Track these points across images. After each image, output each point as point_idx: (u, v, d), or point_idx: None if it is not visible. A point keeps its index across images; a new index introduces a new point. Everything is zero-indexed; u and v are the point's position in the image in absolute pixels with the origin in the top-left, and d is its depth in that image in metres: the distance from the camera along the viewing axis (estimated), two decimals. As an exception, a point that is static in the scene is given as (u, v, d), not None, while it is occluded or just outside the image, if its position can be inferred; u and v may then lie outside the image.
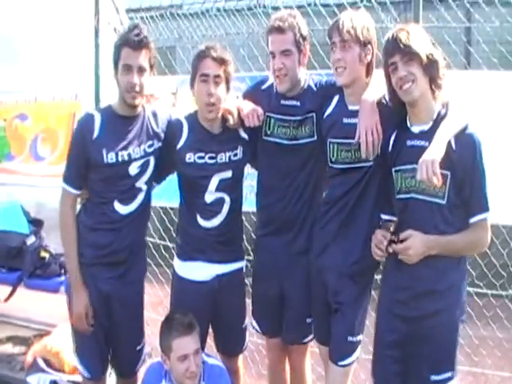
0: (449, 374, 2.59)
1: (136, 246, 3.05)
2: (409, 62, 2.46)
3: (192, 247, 3.06)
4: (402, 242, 2.52)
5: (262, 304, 3.15)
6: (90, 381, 3.11)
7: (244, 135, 3.04)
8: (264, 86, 3.06)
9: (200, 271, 3.06)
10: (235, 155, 3.00)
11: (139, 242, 3.10)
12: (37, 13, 4.58)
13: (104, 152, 2.88)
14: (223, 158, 2.97)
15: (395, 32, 2.49)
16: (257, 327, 3.20)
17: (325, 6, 3.69)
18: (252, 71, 3.76)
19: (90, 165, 2.91)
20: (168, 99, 4.05)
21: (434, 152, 2.39)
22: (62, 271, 4.38)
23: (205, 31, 4.04)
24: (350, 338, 2.85)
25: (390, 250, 2.56)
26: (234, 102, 3.00)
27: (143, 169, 2.96)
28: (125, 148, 2.91)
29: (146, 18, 4.26)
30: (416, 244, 2.49)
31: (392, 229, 2.68)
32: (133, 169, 2.94)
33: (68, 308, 3.06)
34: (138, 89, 2.83)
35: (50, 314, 4.44)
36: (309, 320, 3.06)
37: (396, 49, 2.46)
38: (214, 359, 3.07)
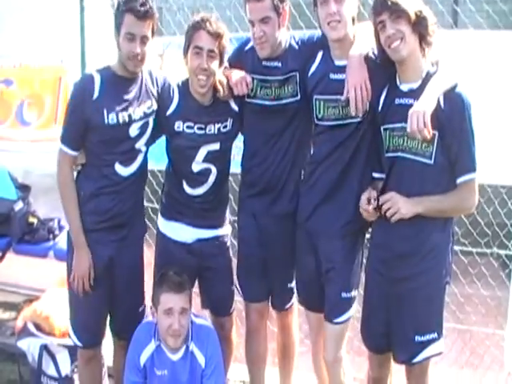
0: (434, 335, 2.62)
1: (137, 208, 3.08)
2: (397, 19, 2.44)
3: (176, 209, 3.10)
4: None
5: (245, 267, 3.17)
6: (84, 349, 3.14)
7: (234, 107, 3.03)
8: (247, 47, 3.04)
9: (182, 232, 3.09)
10: (225, 127, 3.00)
11: (139, 204, 3.13)
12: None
13: (105, 112, 2.86)
14: (212, 129, 2.98)
15: None
16: (240, 291, 3.22)
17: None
18: (238, 32, 3.71)
19: (91, 126, 2.89)
20: (155, 61, 3.99)
21: (425, 103, 2.38)
22: (51, 236, 4.41)
23: (192, -9, 3.98)
24: (344, 294, 2.86)
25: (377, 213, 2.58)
26: (223, 71, 2.98)
27: (143, 130, 2.96)
28: (125, 109, 2.90)
29: (132, -22, 4.16)
30: (400, 198, 2.52)
31: (380, 187, 2.68)
32: (133, 130, 2.94)
33: (67, 272, 3.06)
34: (139, 58, 2.83)
35: (39, 279, 4.43)
36: (290, 285, 3.09)
37: (384, 7, 2.44)
38: (203, 319, 3.10)
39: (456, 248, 3.66)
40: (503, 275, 3.99)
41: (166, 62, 3.96)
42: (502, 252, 3.70)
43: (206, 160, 2.98)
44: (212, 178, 3.02)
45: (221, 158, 3.04)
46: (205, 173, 3.01)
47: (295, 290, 3.14)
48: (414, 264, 2.58)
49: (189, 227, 3.08)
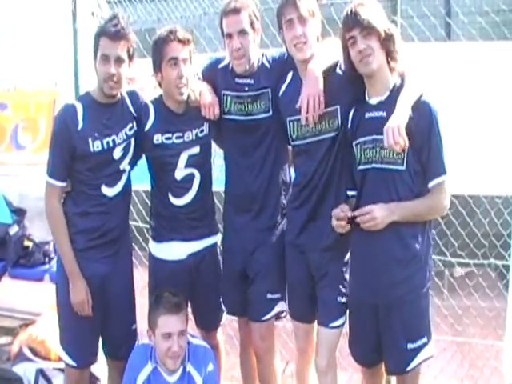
0: (424, 340, 2.65)
1: (124, 224, 3.13)
2: (367, 36, 2.53)
3: (165, 228, 3.12)
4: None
5: (228, 283, 3.17)
6: (74, 369, 3.09)
7: None
8: (220, 65, 3.10)
9: (174, 250, 3.11)
10: (202, 131, 3.06)
11: (125, 221, 3.16)
12: (13, 0, 4.53)
13: (90, 141, 2.89)
14: (190, 135, 3.03)
15: (354, 6, 2.54)
16: (223, 306, 3.22)
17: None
18: (219, 51, 3.75)
19: (76, 155, 2.90)
20: (148, 82, 4.02)
21: (398, 118, 2.46)
22: (46, 260, 4.40)
23: (183, 12, 4.03)
24: (339, 299, 2.88)
25: (350, 227, 2.62)
26: (197, 84, 3.04)
27: (126, 151, 3.00)
28: (108, 135, 2.93)
29: (124, 0, 4.22)
30: (379, 211, 2.56)
31: (353, 204, 2.72)
32: (117, 153, 2.97)
33: (56, 296, 3.06)
34: (115, 79, 2.85)
35: (35, 303, 4.39)
36: (270, 296, 3.06)
37: (355, 23, 2.52)
38: (199, 339, 3.08)
39: (453, 260, 3.67)
40: (501, 286, 3.99)
41: (159, 82, 3.98)
42: (499, 263, 3.68)
43: (188, 165, 3.02)
44: (196, 184, 3.05)
45: (202, 161, 3.08)
46: (188, 179, 3.04)
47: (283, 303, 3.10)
48: (398, 271, 2.61)
49: (180, 243, 3.10)
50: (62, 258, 2.99)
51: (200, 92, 3.02)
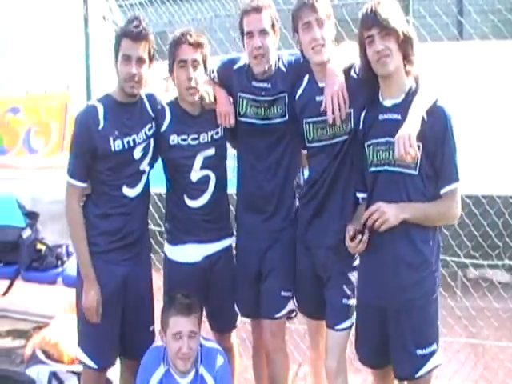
0: (434, 347, 2.63)
1: (144, 226, 3.15)
2: (386, 36, 2.50)
3: (181, 230, 3.13)
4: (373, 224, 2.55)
5: (242, 284, 3.16)
6: (94, 371, 3.10)
7: None
8: (236, 66, 3.10)
9: (190, 253, 3.11)
10: (217, 133, 3.08)
11: (145, 222, 3.19)
12: (25, 4, 4.56)
13: (111, 140, 2.92)
14: (205, 137, 3.05)
15: (373, 5, 2.51)
16: (236, 309, 3.21)
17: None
18: (242, 52, 3.74)
19: (98, 155, 2.94)
20: (160, 85, 4.03)
21: (410, 127, 2.43)
22: (59, 263, 4.39)
23: (194, 14, 4.04)
24: (344, 301, 2.88)
25: (364, 238, 2.59)
26: (212, 88, 3.07)
27: (146, 151, 3.03)
28: (129, 134, 2.96)
29: (135, 4, 4.24)
30: (387, 207, 2.53)
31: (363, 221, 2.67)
32: (137, 153, 3.00)
33: (76, 299, 3.07)
34: (136, 79, 2.88)
35: (48, 306, 4.42)
36: (284, 293, 3.05)
37: (374, 22, 2.49)
38: (212, 342, 3.08)
39: (467, 261, 3.64)
40: (515, 287, 3.96)
41: (171, 85, 3.99)
42: (514, 263, 3.67)
43: (203, 167, 3.04)
44: (212, 185, 3.06)
45: (217, 163, 3.09)
46: (204, 180, 3.05)
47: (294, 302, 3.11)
48: (408, 276, 2.59)
49: (195, 245, 3.10)
50: (79, 260, 3.01)
51: (216, 98, 3.04)
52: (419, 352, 2.60)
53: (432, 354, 2.62)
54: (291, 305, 3.09)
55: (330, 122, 2.74)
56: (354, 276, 2.90)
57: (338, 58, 2.80)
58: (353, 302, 2.90)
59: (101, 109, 2.95)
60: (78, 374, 3.55)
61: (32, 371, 3.78)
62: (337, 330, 2.89)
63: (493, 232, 3.80)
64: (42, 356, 3.84)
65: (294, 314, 3.16)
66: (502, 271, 4.41)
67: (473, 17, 3.60)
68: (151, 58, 2.96)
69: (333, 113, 2.71)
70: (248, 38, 2.89)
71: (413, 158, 2.44)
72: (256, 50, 2.88)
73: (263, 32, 2.86)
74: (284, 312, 3.07)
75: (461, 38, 3.93)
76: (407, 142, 2.39)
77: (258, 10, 2.86)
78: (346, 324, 2.89)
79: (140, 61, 2.89)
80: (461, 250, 3.79)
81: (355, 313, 2.85)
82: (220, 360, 2.97)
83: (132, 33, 2.86)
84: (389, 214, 2.53)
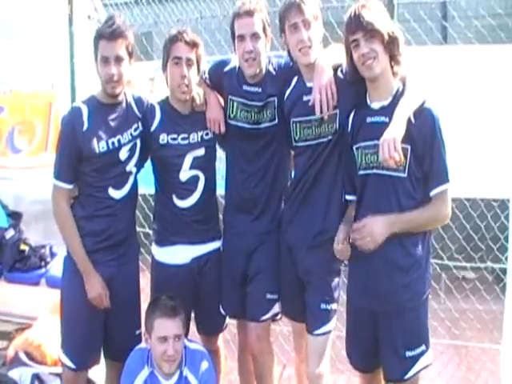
0: (423, 348, 2.63)
1: (130, 227, 3.14)
2: (371, 39, 2.49)
3: (169, 231, 3.11)
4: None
5: (228, 286, 3.15)
6: (72, 371, 3.08)
7: None
8: (226, 68, 3.09)
9: (178, 254, 3.10)
10: (207, 134, 3.08)
11: (132, 223, 3.17)
12: (10, 2, 4.51)
13: (95, 142, 2.92)
14: (195, 137, 3.05)
15: (357, 9, 2.51)
16: (222, 310, 3.21)
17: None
18: (227, 54, 3.75)
19: (83, 157, 2.93)
20: (145, 85, 4.02)
21: (395, 130, 2.42)
22: (42, 264, 4.37)
23: (180, 15, 4.02)
24: (323, 306, 2.88)
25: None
26: (204, 91, 3.07)
27: (132, 152, 3.02)
28: (114, 135, 2.96)
29: (121, 4, 4.22)
30: (371, 230, 2.53)
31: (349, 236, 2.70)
32: (123, 154, 2.99)
33: (61, 299, 3.08)
34: (116, 78, 2.88)
35: (31, 307, 4.37)
36: (269, 296, 3.05)
37: (359, 26, 2.49)
38: (196, 344, 3.07)
39: (450, 263, 3.66)
40: (497, 289, 3.97)
41: (156, 86, 3.99)
42: (496, 266, 3.68)
43: (192, 167, 3.03)
44: (201, 186, 3.06)
45: (207, 164, 3.09)
46: (193, 180, 3.04)
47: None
48: (399, 278, 2.59)
49: (184, 246, 3.09)
50: (75, 258, 2.99)
51: (207, 102, 3.05)
52: (408, 354, 2.60)
53: (421, 354, 2.62)
54: (276, 308, 3.09)
55: (318, 114, 2.71)
56: (335, 280, 2.91)
57: (327, 55, 2.80)
58: (333, 306, 2.90)
59: (85, 110, 2.95)
60: (60, 376, 3.50)
61: (14, 373, 3.74)
62: (316, 335, 2.89)
63: (476, 235, 3.83)
64: (24, 358, 3.81)
65: (279, 316, 3.16)
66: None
67: (456, 22, 3.62)
68: (131, 55, 2.95)
69: (321, 108, 2.69)
70: (239, 42, 2.89)
71: (397, 162, 2.43)
72: (247, 54, 2.87)
73: (255, 36, 2.86)
74: (269, 315, 3.07)
75: (445, 42, 3.96)
76: (392, 145, 2.38)
77: (250, 13, 2.86)
78: (325, 329, 2.89)
79: (118, 59, 2.88)
80: (444, 252, 3.81)
81: (346, 317, 2.82)
82: (204, 362, 2.96)
83: (107, 33, 2.86)
84: (376, 234, 2.53)
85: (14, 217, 4.53)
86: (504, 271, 3.36)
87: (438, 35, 3.69)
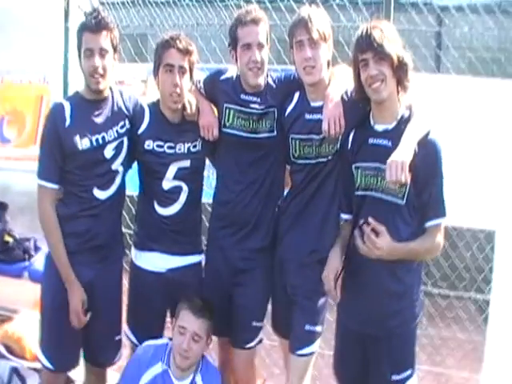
0: (408, 372, 2.65)
1: (115, 229, 3.07)
2: (380, 61, 2.46)
3: (148, 236, 3.07)
4: (373, 230, 2.49)
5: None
6: (51, 372, 3.07)
7: None
8: (223, 77, 3.04)
9: (155, 261, 3.06)
10: (194, 147, 3.01)
11: (117, 225, 3.11)
12: (5, -7, 4.48)
13: (78, 139, 2.85)
14: (182, 148, 2.99)
15: (369, 28, 2.47)
16: None
17: (297, 1, 3.66)
18: (222, 63, 3.74)
19: (66, 154, 2.87)
20: (138, 87, 4.01)
21: (404, 153, 2.40)
22: (26, 256, 4.35)
23: (176, 20, 4.01)
24: (307, 327, 2.87)
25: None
26: (196, 94, 3.03)
27: (118, 150, 2.96)
28: (97, 132, 2.89)
29: (118, 3, 4.19)
30: (385, 242, 2.49)
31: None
32: (108, 151, 2.93)
33: (41, 298, 3.04)
34: (100, 71, 2.81)
35: (13, 300, 4.38)
36: (256, 324, 3.05)
37: (369, 46, 2.45)
38: (214, 361, 3.09)
39: (434, 291, 3.68)
40: (480, 320, 3.93)
41: (149, 88, 3.97)
42: (480, 296, 3.69)
43: (176, 177, 2.98)
44: (183, 197, 3.00)
45: (192, 176, 3.03)
46: (175, 191, 2.99)
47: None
48: (390, 304, 2.61)
49: (161, 255, 3.04)
50: (57, 263, 2.94)
51: (199, 110, 2.99)
52: (394, 378, 2.62)
53: (407, 378, 2.64)
54: (261, 334, 3.10)
55: (327, 135, 2.71)
56: (322, 301, 2.89)
57: (337, 83, 2.78)
58: (318, 328, 2.89)
59: (67, 107, 2.89)
60: (39, 372, 3.52)
61: (-8, 365, 3.77)
62: (298, 355, 2.89)
63: (460, 264, 3.84)
64: (3, 350, 3.84)
65: (261, 341, 3.16)
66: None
67: (450, 51, 3.64)
68: (115, 48, 2.89)
69: (329, 134, 2.69)
70: (245, 50, 2.83)
71: (402, 185, 2.44)
72: (253, 63, 2.83)
73: (260, 45, 2.83)
74: (255, 342, 3.09)
75: (438, 71, 3.99)
76: (399, 167, 2.36)
77: (256, 22, 2.82)
78: (309, 350, 2.89)
79: (102, 52, 2.81)
80: (428, 279, 3.82)
81: (335, 336, 2.82)
82: (217, 379, 2.97)
83: (91, 24, 2.79)
84: (383, 251, 2.47)
85: None
86: (487, 302, 3.37)
87: (431, 63, 3.72)
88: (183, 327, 2.85)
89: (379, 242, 2.46)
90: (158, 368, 2.92)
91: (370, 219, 2.49)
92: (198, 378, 2.93)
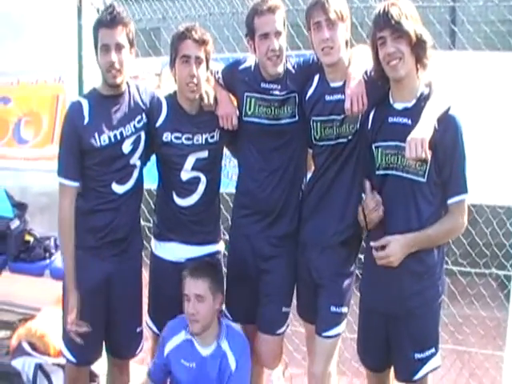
0: (432, 350, 2.63)
1: (134, 222, 3.08)
2: (398, 39, 2.44)
3: (167, 226, 3.09)
4: (383, 247, 2.54)
5: (235, 290, 3.10)
6: (74, 365, 3.09)
7: None
8: (241, 67, 3.04)
9: (174, 251, 3.08)
10: (212, 137, 3.02)
11: (136, 218, 3.12)
12: (18, -6, 4.52)
13: (96, 135, 2.87)
14: (200, 139, 2.99)
15: (387, 6, 2.45)
16: (228, 315, 3.15)
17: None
18: (236, 52, 3.73)
19: (85, 151, 2.89)
20: (152, 81, 4.02)
21: (423, 130, 2.39)
22: (47, 255, 4.39)
23: (188, 11, 4.01)
24: (333, 309, 2.86)
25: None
26: (215, 89, 3.03)
27: (136, 145, 2.97)
28: (116, 127, 2.91)
29: (130, -2, 4.21)
30: (395, 250, 2.52)
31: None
32: (126, 146, 2.94)
33: (63, 293, 3.04)
34: (117, 66, 2.82)
35: (35, 298, 4.41)
36: (285, 309, 3.04)
37: (387, 24, 2.43)
38: (238, 327, 3.05)
39: (454, 269, 3.64)
40: (502, 296, 3.97)
41: (163, 82, 3.98)
42: (501, 273, 3.66)
43: (194, 168, 2.99)
44: (201, 187, 3.01)
45: (210, 167, 3.03)
46: (194, 181, 3.00)
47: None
48: (411, 285, 2.59)
49: (180, 245, 3.06)
50: (63, 263, 2.96)
51: (217, 100, 2.99)
52: (417, 356, 2.61)
53: (430, 356, 2.63)
54: (289, 319, 3.10)
55: (348, 113, 2.68)
56: (347, 283, 2.89)
57: (358, 62, 2.76)
58: (344, 310, 2.89)
59: (85, 104, 2.90)
60: (63, 367, 3.52)
61: (17, 363, 3.78)
62: (324, 337, 2.89)
63: (481, 241, 3.81)
64: (27, 348, 3.84)
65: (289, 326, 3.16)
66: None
67: (466, 27, 3.59)
68: (132, 43, 2.89)
69: (352, 112, 2.66)
70: (263, 39, 2.82)
71: (423, 162, 2.42)
72: (272, 52, 2.82)
73: (278, 33, 2.82)
74: (285, 328, 3.09)
75: (453, 46, 3.93)
76: (419, 144, 2.34)
77: (272, 10, 2.81)
78: (335, 331, 2.88)
79: (119, 47, 2.81)
80: (449, 257, 3.80)
81: (358, 316, 2.81)
82: (245, 347, 2.96)
83: (107, 20, 2.80)
84: (395, 257, 2.51)
85: (19, 207, 4.54)
86: (508, 278, 3.36)
87: (446, 39, 3.66)
88: (186, 294, 2.86)
89: (388, 252, 2.51)
90: (181, 336, 2.97)
91: (372, 243, 2.56)
92: (225, 344, 2.93)
